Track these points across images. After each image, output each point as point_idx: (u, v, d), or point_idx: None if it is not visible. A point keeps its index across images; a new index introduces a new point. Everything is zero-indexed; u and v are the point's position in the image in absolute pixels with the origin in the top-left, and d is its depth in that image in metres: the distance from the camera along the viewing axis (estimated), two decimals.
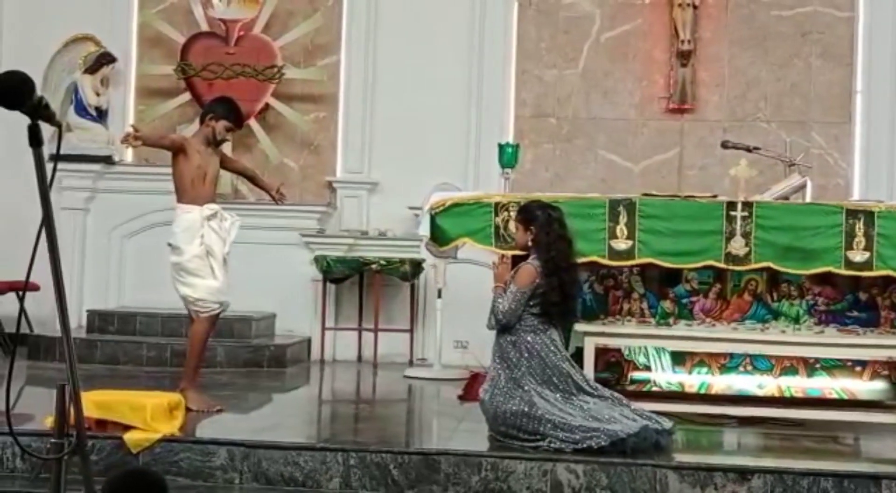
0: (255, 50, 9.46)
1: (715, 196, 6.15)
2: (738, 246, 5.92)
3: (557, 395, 5.28)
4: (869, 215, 5.87)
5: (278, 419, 6.17)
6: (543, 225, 5.41)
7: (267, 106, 9.51)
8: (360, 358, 9.07)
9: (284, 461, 5.09)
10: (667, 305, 6.25)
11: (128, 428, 5.16)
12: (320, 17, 9.49)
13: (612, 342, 6.02)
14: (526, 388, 5.29)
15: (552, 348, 5.37)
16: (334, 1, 9.57)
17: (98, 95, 9.44)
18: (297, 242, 9.18)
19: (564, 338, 5.60)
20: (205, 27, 9.56)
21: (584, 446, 5.07)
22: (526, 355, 5.34)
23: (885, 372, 6.15)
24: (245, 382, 7.61)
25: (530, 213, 5.50)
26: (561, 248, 5.40)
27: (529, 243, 5.47)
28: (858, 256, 5.88)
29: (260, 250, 9.14)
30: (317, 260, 8.96)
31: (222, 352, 8.28)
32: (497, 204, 6.05)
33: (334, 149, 9.59)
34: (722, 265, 5.98)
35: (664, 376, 6.24)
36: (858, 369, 6.17)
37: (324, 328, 9.01)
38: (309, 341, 9.08)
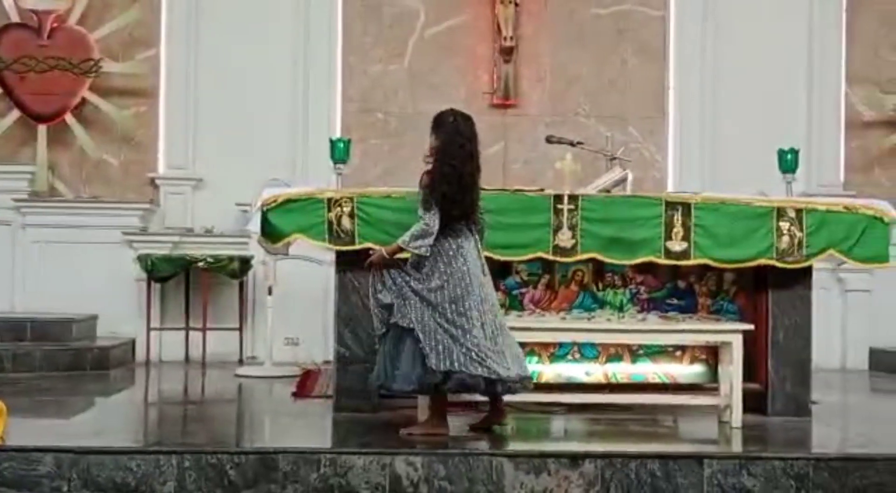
0: (70, 43, 9.14)
1: (542, 190, 6.29)
2: (565, 238, 6.09)
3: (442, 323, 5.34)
4: (686, 207, 6.12)
5: (105, 424, 5.98)
6: (449, 132, 5.48)
7: (84, 100, 9.19)
8: (187, 358, 8.88)
9: (115, 466, 4.94)
10: (498, 296, 6.35)
11: None
12: (138, 9, 9.24)
13: None
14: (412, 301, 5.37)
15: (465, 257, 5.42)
16: None
17: None
18: (118, 240, 8.93)
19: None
20: (15, 18, 9.16)
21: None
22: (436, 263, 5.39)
23: (703, 356, 6.44)
24: (67, 386, 7.35)
25: (440, 117, 5.59)
26: (458, 154, 5.43)
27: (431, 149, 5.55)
28: (677, 245, 6.13)
29: (79, 249, 8.90)
30: (140, 259, 8.73)
31: (40, 355, 8.00)
32: (330, 199, 6.02)
33: (156, 144, 9.35)
34: (550, 257, 6.13)
35: None
36: (679, 353, 6.45)
37: (149, 329, 8.79)
38: (133, 342, 8.84)
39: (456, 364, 5.29)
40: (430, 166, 5.50)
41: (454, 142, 5.47)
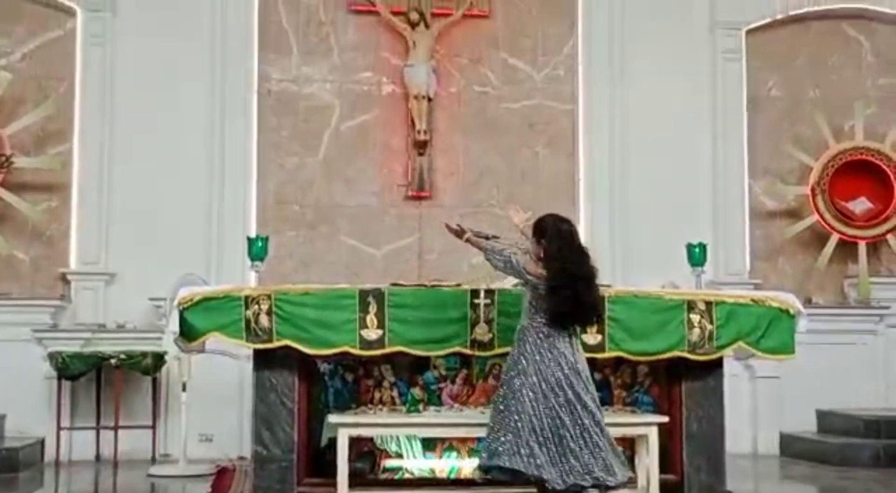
0: None
1: (459, 285, 6.36)
2: (482, 332, 6.16)
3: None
4: (600, 301, 6.23)
5: None
6: (553, 236, 5.57)
7: None
8: (98, 458, 8.66)
9: None
10: (416, 392, 6.39)
11: None
12: (52, 104, 9.19)
13: (365, 432, 6.06)
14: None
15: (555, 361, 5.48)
16: (66, 88, 9.30)
17: None
18: (28, 338, 8.75)
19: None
20: None
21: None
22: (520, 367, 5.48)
23: (621, 448, 6.49)
24: None
25: (542, 224, 5.69)
26: (573, 258, 5.55)
27: (542, 255, 5.58)
28: (592, 338, 6.24)
29: None
30: (51, 357, 8.55)
31: None
32: (248, 297, 6.03)
33: (68, 239, 9.24)
34: (468, 351, 6.19)
35: (416, 462, 6.35)
36: None
37: (59, 428, 8.56)
38: (42, 442, 8.60)
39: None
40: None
41: (564, 245, 5.59)
